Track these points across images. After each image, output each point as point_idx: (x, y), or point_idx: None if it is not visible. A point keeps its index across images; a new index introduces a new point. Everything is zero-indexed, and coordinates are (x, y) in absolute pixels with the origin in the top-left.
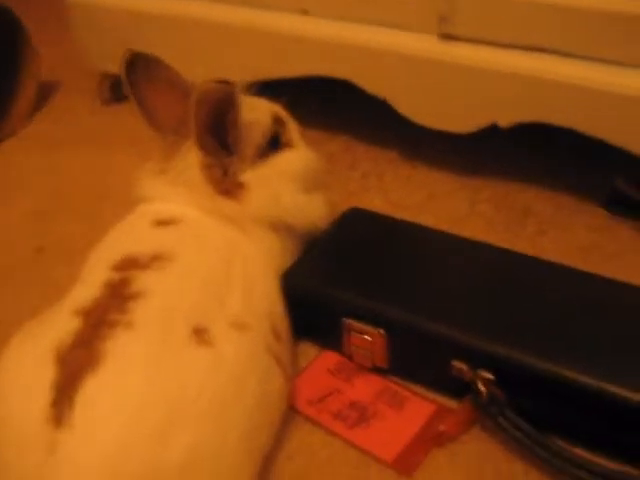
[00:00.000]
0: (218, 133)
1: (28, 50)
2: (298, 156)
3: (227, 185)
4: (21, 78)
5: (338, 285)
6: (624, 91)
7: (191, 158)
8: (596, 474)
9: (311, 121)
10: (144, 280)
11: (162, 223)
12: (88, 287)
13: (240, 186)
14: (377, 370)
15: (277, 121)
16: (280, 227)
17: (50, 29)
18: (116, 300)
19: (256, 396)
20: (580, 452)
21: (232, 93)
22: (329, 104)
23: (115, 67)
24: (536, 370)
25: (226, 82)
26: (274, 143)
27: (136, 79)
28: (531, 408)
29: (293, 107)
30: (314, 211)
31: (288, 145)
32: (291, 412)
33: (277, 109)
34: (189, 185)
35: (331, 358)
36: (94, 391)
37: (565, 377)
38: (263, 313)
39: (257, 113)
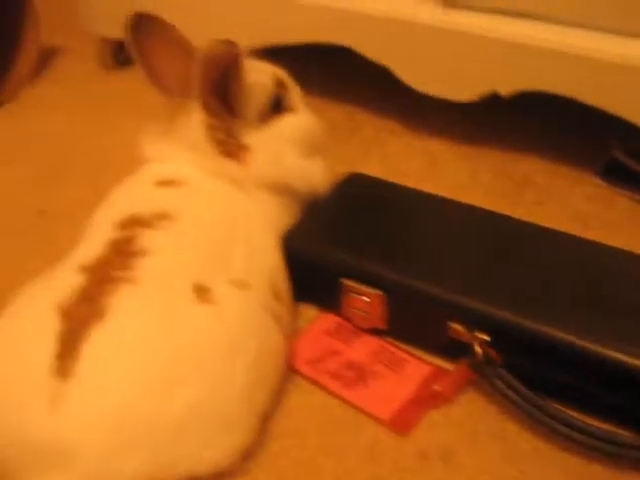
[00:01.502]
0: (222, 95)
1: (29, 14)
2: (300, 120)
3: (230, 147)
4: (22, 42)
5: (337, 247)
6: (624, 60)
7: (195, 119)
8: (588, 434)
9: (314, 88)
10: (147, 238)
11: (165, 183)
12: (92, 245)
13: (243, 148)
14: (375, 331)
15: (279, 85)
16: (281, 189)
17: None
18: (120, 257)
19: (255, 353)
20: (573, 413)
21: (237, 54)
22: (331, 71)
23: (116, 32)
24: (531, 332)
25: (231, 43)
26: (276, 107)
27: (141, 41)
28: (526, 369)
29: (296, 74)
30: (315, 175)
31: (290, 109)
32: (290, 372)
33: (280, 73)
34: (193, 146)
35: (330, 320)
36: (98, 343)
37: (559, 339)
38: (264, 273)
39: (260, 76)
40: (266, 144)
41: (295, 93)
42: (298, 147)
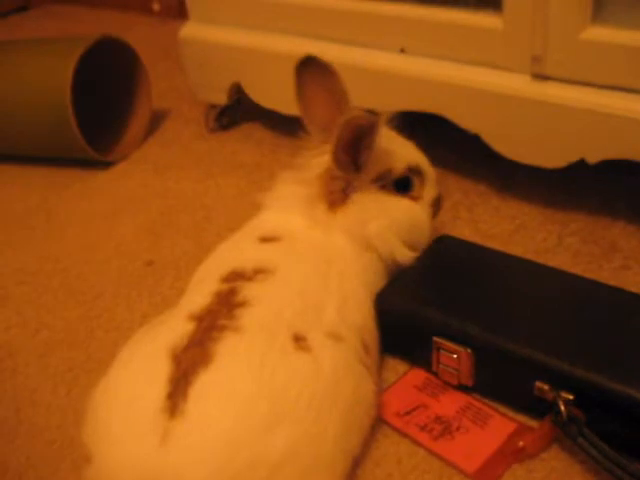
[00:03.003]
0: (353, 152)
1: (143, 81)
2: (412, 210)
3: (337, 196)
4: (135, 106)
5: (429, 306)
6: None
7: (323, 167)
8: None
9: None
10: (250, 291)
11: (267, 240)
12: (200, 296)
13: (344, 199)
14: (462, 388)
15: (412, 171)
16: (372, 249)
17: (163, 63)
18: (225, 307)
19: (350, 401)
20: None
21: (375, 123)
22: (422, 136)
23: (220, 98)
24: (614, 393)
25: (373, 113)
26: (404, 187)
27: (304, 79)
28: (610, 429)
29: None
30: (397, 249)
31: (414, 197)
32: (379, 422)
33: (421, 161)
34: (307, 195)
35: (418, 375)
36: (206, 386)
37: None
38: (355, 326)
39: (397, 153)
40: (367, 206)
41: (429, 186)
42: (397, 231)
